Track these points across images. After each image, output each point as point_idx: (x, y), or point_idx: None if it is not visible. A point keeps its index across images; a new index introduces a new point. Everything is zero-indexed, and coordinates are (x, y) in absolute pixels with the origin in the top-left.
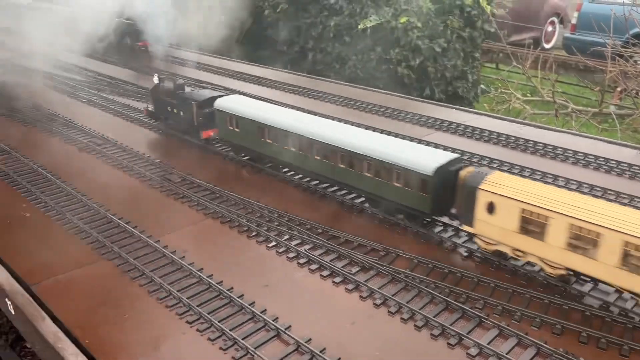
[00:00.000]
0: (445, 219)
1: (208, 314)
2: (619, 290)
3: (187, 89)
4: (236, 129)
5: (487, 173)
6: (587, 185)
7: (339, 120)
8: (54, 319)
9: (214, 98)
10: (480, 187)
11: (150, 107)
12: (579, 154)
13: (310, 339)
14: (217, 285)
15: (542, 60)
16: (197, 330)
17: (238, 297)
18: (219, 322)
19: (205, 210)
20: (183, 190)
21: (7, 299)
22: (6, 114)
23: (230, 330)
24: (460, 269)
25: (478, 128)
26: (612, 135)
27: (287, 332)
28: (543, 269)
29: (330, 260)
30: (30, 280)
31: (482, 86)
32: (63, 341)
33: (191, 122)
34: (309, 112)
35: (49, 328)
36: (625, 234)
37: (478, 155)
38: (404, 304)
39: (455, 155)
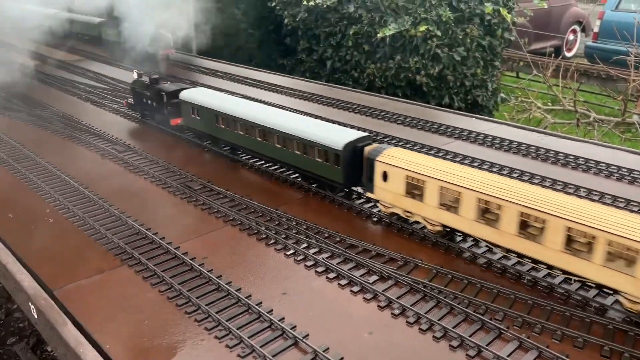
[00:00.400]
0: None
1: (226, 321)
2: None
3: (161, 83)
4: (197, 117)
5: (386, 148)
6: (609, 196)
7: (357, 128)
8: (76, 323)
9: (180, 90)
10: (378, 159)
11: (130, 100)
12: (601, 164)
13: (328, 348)
14: (236, 293)
15: (563, 68)
16: (216, 337)
17: (256, 305)
18: (237, 329)
19: (225, 218)
20: (203, 197)
21: (30, 303)
22: (30, 120)
23: (248, 337)
24: (479, 279)
25: (498, 137)
26: (635, 145)
27: (304, 340)
28: (425, 226)
29: (348, 269)
30: (53, 284)
31: (502, 95)
32: (84, 345)
33: (162, 111)
34: (327, 120)
35: (70, 332)
36: (477, 191)
37: (498, 164)
38: (423, 315)
39: (364, 134)
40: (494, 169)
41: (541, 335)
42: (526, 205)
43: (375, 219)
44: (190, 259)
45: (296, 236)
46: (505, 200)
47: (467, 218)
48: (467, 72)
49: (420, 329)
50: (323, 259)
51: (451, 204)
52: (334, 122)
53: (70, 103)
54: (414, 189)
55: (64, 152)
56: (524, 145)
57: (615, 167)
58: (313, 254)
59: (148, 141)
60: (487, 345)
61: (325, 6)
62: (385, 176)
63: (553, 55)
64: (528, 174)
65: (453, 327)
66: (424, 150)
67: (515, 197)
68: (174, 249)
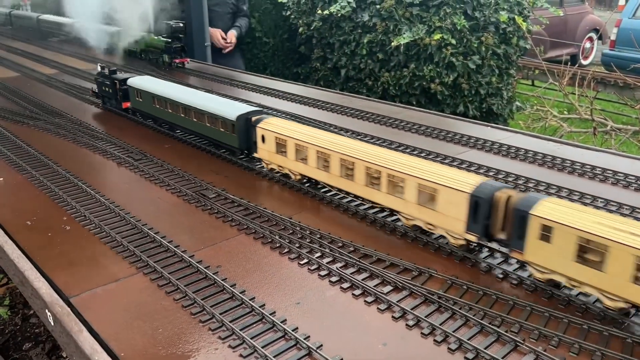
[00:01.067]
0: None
1: (240, 330)
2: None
3: (117, 74)
4: (140, 99)
5: (267, 117)
6: (627, 207)
7: (372, 137)
8: (91, 331)
9: (129, 78)
10: (258, 125)
11: (95, 89)
12: (619, 174)
13: (342, 359)
14: (250, 301)
15: (579, 77)
16: (230, 346)
17: (270, 314)
18: (251, 338)
19: (239, 226)
20: (218, 206)
21: (47, 310)
22: (49, 128)
23: (262, 347)
24: (495, 291)
25: (514, 146)
26: None
27: (318, 351)
28: (292, 177)
29: (362, 279)
30: (69, 292)
31: (517, 103)
32: (99, 353)
33: (115, 96)
34: (341, 129)
35: (86, 340)
36: (318, 145)
37: (514, 174)
38: (438, 326)
39: (255, 108)
40: (510, 179)
41: (558, 349)
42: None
43: (389, 230)
44: (205, 267)
45: (310, 245)
46: (332, 150)
47: (312, 167)
48: (482, 81)
49: (435, 340)
50: (337, 268)
51: (304, 157)
52: (347, 130)
53: (86, 111)
54: (282, 148)
55: (81, 160)
56: (540, 155)
57: (633, 177)
58: (327, 263)
59: (162, 149)
60: (503, 358)
61: (339, 15)
62: (263, 139)
63: (569, 63)
64: (544, 184)
65: (468, 339)
66: (438, 159)
67: (336, 147)
68: (189, 257)
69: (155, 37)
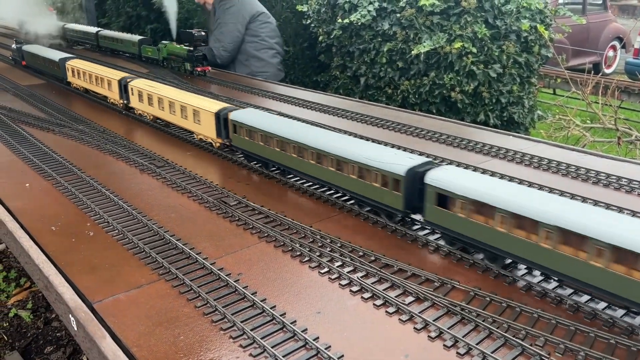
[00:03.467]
0: None
1: (261, 338)
2: None
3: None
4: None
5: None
6: None
7: (392, 145)
8: (114, 337)
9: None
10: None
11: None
12: None
13: None
14: (271, 310)
15: (602, 85)
16: (250, 355)
17: (291, 323)
18: (272, 347)
19: (260, 234)
20: (239, 213)
21: (70, 315)
22: (74, 135)
23: (283, 356)
24: (519, 303)
25: (536, 156)
26: None
27: None
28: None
29: (383, 289)
30: (92, 297)
31: (539, 112)
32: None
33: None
34: (360, 137)
35: (109, 346)
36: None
37: (537, 184)
38: (460, 338)
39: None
40: (534, 188)
41: None
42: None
43: (410, 239)
44: (226, 275)
45: (330, 254)
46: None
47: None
48: (503, 89)
49: (457, 352)
50: (358, 278)
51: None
52: (368, 138)
53: (110, 118)
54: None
55: (105, 167)
56: (564, 165)
57: None
58: (347, 272)
59: (184, 156)
60: None
61: (359, 24)
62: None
63: (592, 72)
64: (568, 194)
65: (492, 352)
66: (463, 166)
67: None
68: (210, 264)
69: (177, 45)
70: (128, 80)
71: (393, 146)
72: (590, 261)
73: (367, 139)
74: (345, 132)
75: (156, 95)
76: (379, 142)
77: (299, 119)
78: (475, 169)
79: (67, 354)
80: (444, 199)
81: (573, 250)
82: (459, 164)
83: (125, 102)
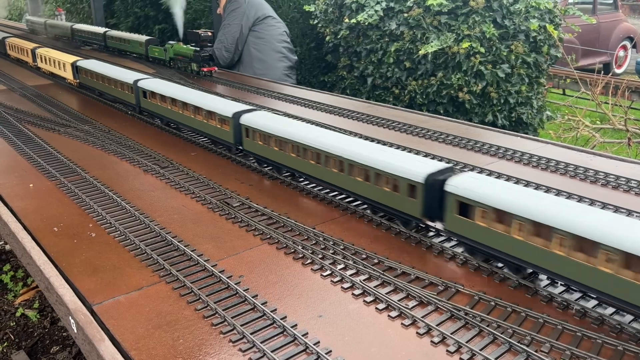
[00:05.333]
0: None
1: (261, 343)
2: None
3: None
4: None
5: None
6: None
7: (397, 146)
8: (113, 339)
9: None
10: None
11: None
12: None
13: None
14: (271, 314)
15: (613, 86)
16: (250, 359)
17: (291, 327)
18: (271, 352)
19: (263, 236)
20: (242, 215)
21: (70, 317)
22: (79, 136)
23: None
24: (524, 308)
25: (544, 157)
26: None
27: None
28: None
29: (386, 293)
30: (92, 299)
31: (548, 112)
32: None
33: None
34: (366, 138)
35: (107, 349)
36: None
37: (545, 186)
38: (464, 344)
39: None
40: (541, 191)
41: None
42: None
43: (414, 242)
44: (227, 277)
45: (333, 256)
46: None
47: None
48: (512, 89)
49: (461, 358)
50: (360, 281)
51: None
52: (373, 139)
53: (115, 119)
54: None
55: (108, 167)
56: (572, 166)
57: None
58: (350, 275)
59: (188, 157)
60: None
61: (367, 24)
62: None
63: (602, 72)
64: (576, 196)
65: (496, 358)
66: (465, 169)
67: None
68: (212, 266)
69: (184, 46)
70: (78, 62)
71: (399, 147)
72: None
73: (390, 144)
74: (351, 133)
75: (97, 74)
76: (385, 143)
77: (312, 122)
78: (482, 171)
79: (72, 353)
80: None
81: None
82: (465, 166)
83: (78, 81)
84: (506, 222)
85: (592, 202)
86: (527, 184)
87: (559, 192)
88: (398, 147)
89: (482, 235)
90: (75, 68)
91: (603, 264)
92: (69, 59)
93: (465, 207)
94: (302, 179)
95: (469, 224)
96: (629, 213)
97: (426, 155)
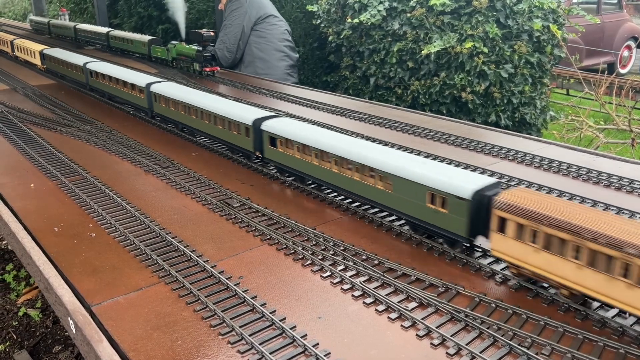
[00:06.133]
0: None
1: (260, 344)
2: None
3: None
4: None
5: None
6: None
7: (399, 147)
8: (111, 341)
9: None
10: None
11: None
12: None
13: None
14: (270, 315)
15: (617, 86)
16: None
17: (290, 329)
18: (270, 354)
19: (263, 236)
20: (242, 215)
21: (69, 318)
22: (80, 135)
23: None
24: (525, 310)
25: (547, 158)
26: None
27: None
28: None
29: (386, 295)
30: (91, 300)
31: (551, 113)
32: None
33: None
34: (368, 138)
35: (105, 350)
36: None
37: (547, 187)
38: (464, 346)
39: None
40: (542, 192)
41: None
42: None
43: (415, 243)
44: (227, 278)
45: (333, 258)
46: None
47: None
48: (515, 90)
49: None
50: (360, 282)
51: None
52: (375, 140)
53: (117, 119)
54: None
55: (109, 167)
56: (575, 167)
57: None
58: (350, 276)
59: (189, 157)
60: None
61: (369, 23)
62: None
63: (606, 72)
64: (578, 197)
65: None
66: (468, 170)
67: None
68: (211, 267)
69: (187, 46)
70: (45, 50)
71: (401, 147)
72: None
73: (393, 145)
74: (353, 133)
75: (63, 61)
76: (386, 144)
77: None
78: (484, 171)
79: (75, 353)
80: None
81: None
82: (467, 166)
83: (45, 67)
84: (296, 148)
85: (594, 204)
86: (529, 184)
87: (561, 193)
88: (400, 147)
89: (285, 159)
90: (42, 55)
91: (349, 173)
92: (38, 47)
93: (274, 140)
94: (309, 182)
95: (276, 152)
96: (632, 215)
97: (427, 155)
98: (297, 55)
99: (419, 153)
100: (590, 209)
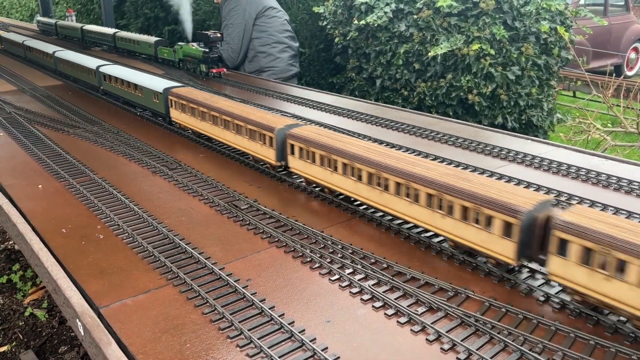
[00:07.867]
0: None
1: (268, 348)
2: None
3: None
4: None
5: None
6: None
7: (406, 149)
8: (120, 343)
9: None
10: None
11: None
12: None
13: None
14: (279, 318)
15: (624, 88)
16: None
17: (299, 332)
18: (279, 357)
19: (270, 239)
20: (249, 217)
21: (77, 320)
22: (88, 136)
23: None
24: (536, 315)
25: (555, 161)
26: None
27: None
28: None
29: (395, 299)
30: (99, 302)
31: (558, 115)
32: None
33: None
34: (375, 140)
35: (114, 353)
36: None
37: (556, 190)
38: (474, 351)
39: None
40: (551, 195)
41: None
42: None
43: (423, 246)
44: (235, 281)
45: (341, 261)
46: None
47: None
48: (522, 92)
49: None
50: (369, 286)
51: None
52: (382, 142)
53: (124, 119)
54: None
55: (117, 169)
56: (584, 170)
57: None
58: (358, 280)
59: (197, 158)
60: None
61: (376, 25)
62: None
63: (613, 74)
64: (588, 201)
65: None
66: (479, 171)
67: None
68: (219, 269)
69: (193, 47)
70: (25, 41)
71: (407, 150)
72: None
73: (399, 147)
74: (360, 135)
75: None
76: (393, 146)
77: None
78: (492, 174)
79: (80, 354)
80: None
81: None
82: (475, 169)
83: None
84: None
85: (604, 207)
86: (538, 188)
87: (570, 197)
88: (407, 149)
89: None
90: (27, 48)
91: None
92: (20, 39)
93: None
94: (314, 185)
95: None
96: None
97: (435, 158)
98: (297, 44)
99: (426, 155)
100: None
